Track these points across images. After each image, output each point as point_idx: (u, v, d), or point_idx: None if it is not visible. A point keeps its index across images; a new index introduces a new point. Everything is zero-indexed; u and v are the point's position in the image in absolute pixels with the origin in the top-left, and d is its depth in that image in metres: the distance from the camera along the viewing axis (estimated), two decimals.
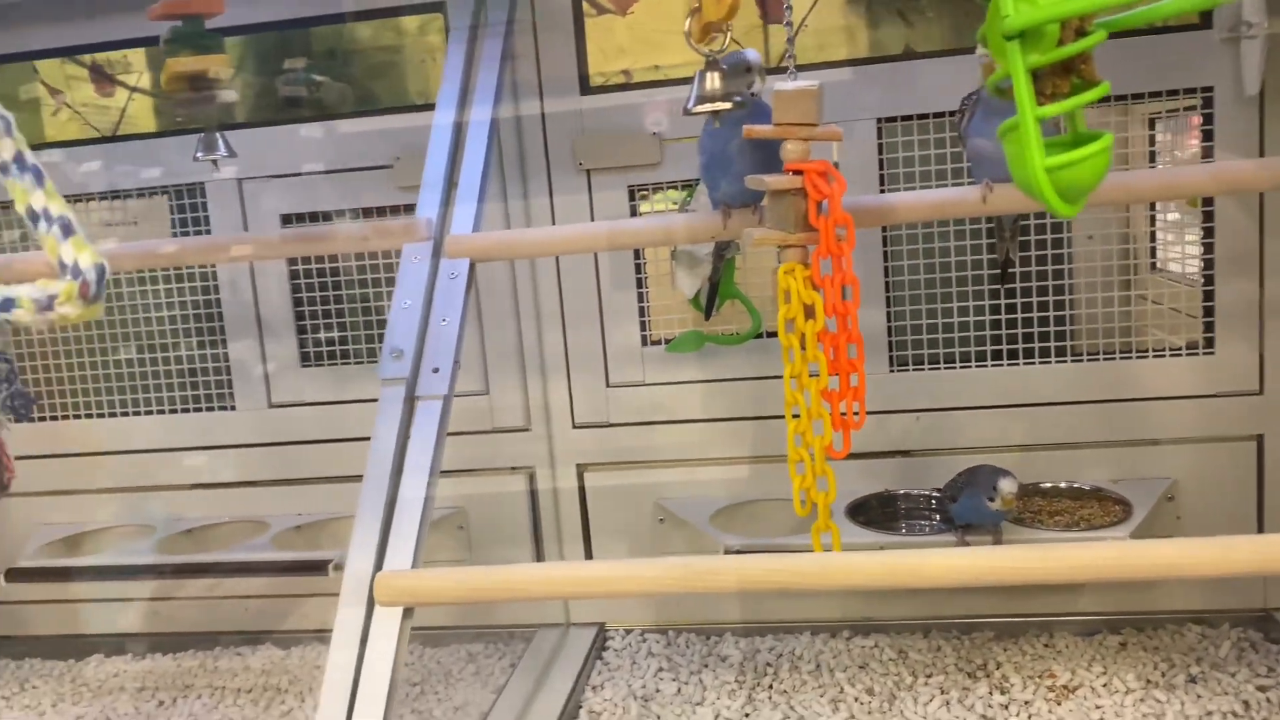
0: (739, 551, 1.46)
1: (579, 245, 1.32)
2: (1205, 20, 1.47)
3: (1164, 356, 1.57)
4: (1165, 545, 0.92)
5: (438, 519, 1.70)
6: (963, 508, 1.44)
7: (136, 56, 1.79)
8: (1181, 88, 1.50)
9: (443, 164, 1.30)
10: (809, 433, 1.09)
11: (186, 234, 1.76)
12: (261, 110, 1.76)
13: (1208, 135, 1.50)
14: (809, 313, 1.07)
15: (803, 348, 1.07)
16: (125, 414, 1.83)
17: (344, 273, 1.76)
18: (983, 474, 1.43)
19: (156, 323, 1.82)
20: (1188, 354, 1.56)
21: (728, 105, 0.90)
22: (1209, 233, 1.53)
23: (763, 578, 0.90)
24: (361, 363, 1.78)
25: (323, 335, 1.78)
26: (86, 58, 1.77)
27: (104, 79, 1.78)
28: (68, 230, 0.80)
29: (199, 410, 1.81)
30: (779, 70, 1.50)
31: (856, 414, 1.08)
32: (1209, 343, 1.55)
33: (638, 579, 0.94)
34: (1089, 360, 1.59)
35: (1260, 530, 1.58)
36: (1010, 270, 1.36)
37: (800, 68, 1.22)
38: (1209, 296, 1.54)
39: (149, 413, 1.83)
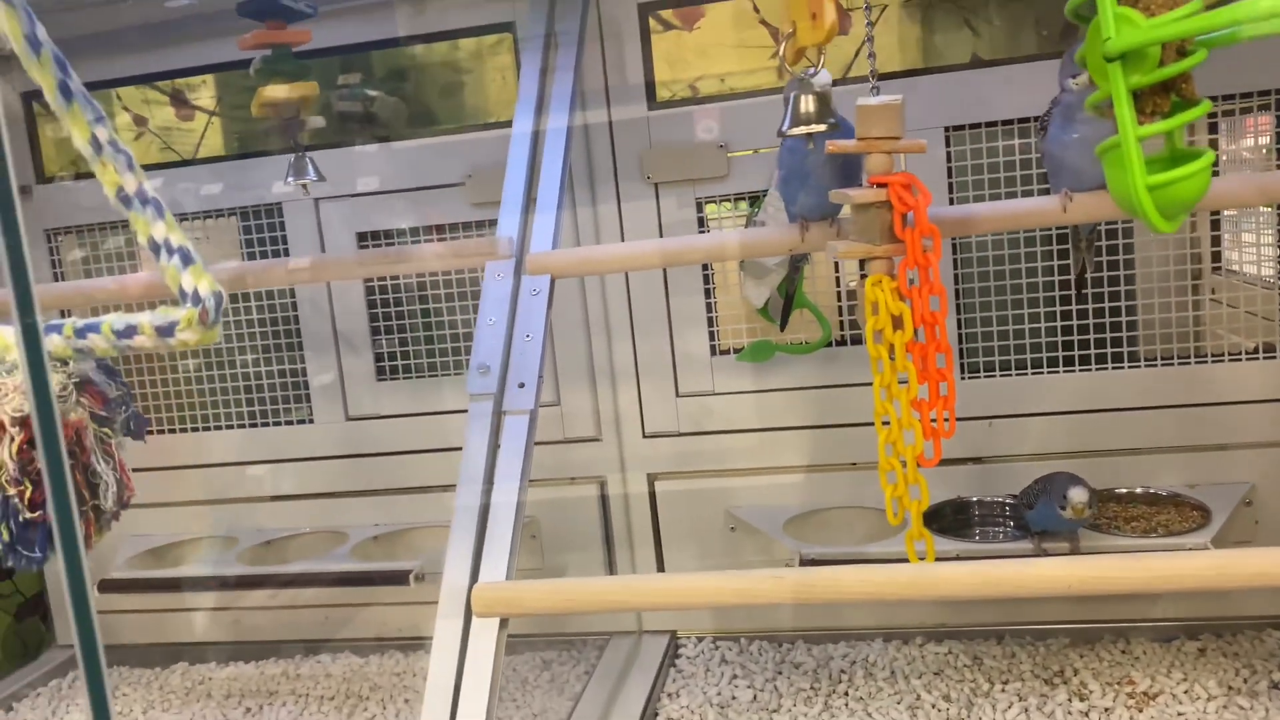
0: (815, 561, 1.47)
1: (660, 260, 1.33)
2: None
3: (1239, 360, 1.56)
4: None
5: None
6: (1038, 515, 1.43)
7: (214, 81, 1.84)
8: (1255, 90, 1.49)
9: (521, 183, 1.33)
10: (900, 442, 1.10)
11: (265, 253, 1.81)
12: (330, 131, 1.81)
13: None
14: (897, 323, 1.09)
15: (891, 358, 1.08)
16: (207, 428, 1.88)
17: (419, 288, 1.80)
18: (1057, 481, 1.43)
19: (236, 339, 1.87)
20: (1265, 357, 1.55)
21: (822, 127, 0.92)
22: None
23: (858, 589, 0.91)
24: (435, 376, 1.81)
25: (398, 349, 1.81)
26: (167, 84, 1.83)
27: (184, 105, 1.83)
28: (187, 259, 0.84)
29: (278, 424, 1.86)
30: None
31: (946, 422, 1.09)
32: None
33: (743, 590, 0.96)
34: (1163, 364, 1.58)
35: None
36: (1085, 280, 1.36)
37: (864, 78, 1.22)
38: None
39: (229, 427, 1.88)
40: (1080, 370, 1.60)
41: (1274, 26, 0.64)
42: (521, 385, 1.17)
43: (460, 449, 1.77)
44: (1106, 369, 1.59)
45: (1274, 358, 1.54)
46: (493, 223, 1.73)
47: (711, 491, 1.72)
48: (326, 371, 1.83)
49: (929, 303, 1.09)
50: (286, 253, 1.80)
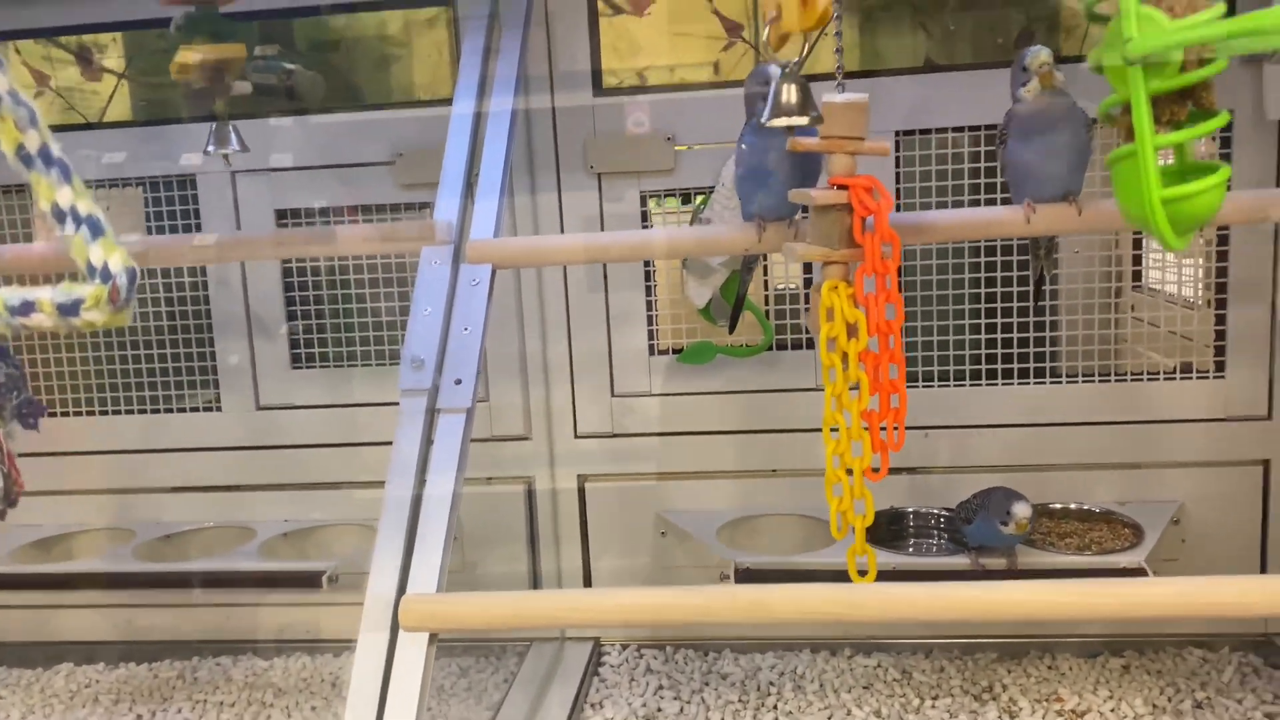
0: (750, 570, 1.43)
1: (609, 254, 1.27)
2: None
3: (1174, 379, 1.56)
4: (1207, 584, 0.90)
5: None
6: (977, 530, 1.41)
7: (126, 41, 1.71)
8: None
9: (461, 165, 1.25)
10: (848, 454, 1.06)
11: (175, 228, 1.69)
12: (250, 100, 1.69)
13: (1225, 159, 1.49)
14: (852, 331, 1.05)
15: (845, 366, 1.04)
16: (105, 413, 1.75)
17: (340, 271, 1.70)
18: (996, 497, 1.41)
19: (140, 318, 1.74)
20: (1198, 377, 1.56)
21: (805, 120, 0.87)
22: (1223, 256, 1.53)
23: (821, 610, 0.87)
24: (355, 365, 1.71)
25: (315, 335, 1.71)
26: (72, 41, 1.69)
27: (92, 64, 1.70)
28: (97, 230, 0.75)
29: (183, 411, 1.74)
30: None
31: (895, 433, 1.05)
32: (1220, 366, 1.55)
33: (681, 606, 0.90)
34: (1100, 381, 1.58)
35: (1264, 555, 1.58)
36: (1044, 287, 1.34)
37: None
38: (1220, 320, 1.54)
39: (129, 412, 1.75)
40: (1019, 384, 1.59)
41: None
42: (458, 381, 1.10)
43: (380, 444, 1.68)
44: (1045, 383, 1.58)
45: (1206, 377, 1.56)
46: (423, 205, 1.66)
47: (643, 494, 1.67)
48: (237, 356, 1.72)
49: (885, 311, 1.05)
50: (198, 228, 1.69)
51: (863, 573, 1.10)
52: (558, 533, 1.70)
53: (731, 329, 1.40)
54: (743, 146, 1.14)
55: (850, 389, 1.06)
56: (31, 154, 0.75)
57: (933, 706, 1.47)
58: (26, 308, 0.76)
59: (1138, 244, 1.68)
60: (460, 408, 1.09)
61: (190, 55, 1.10)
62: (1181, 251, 1.51)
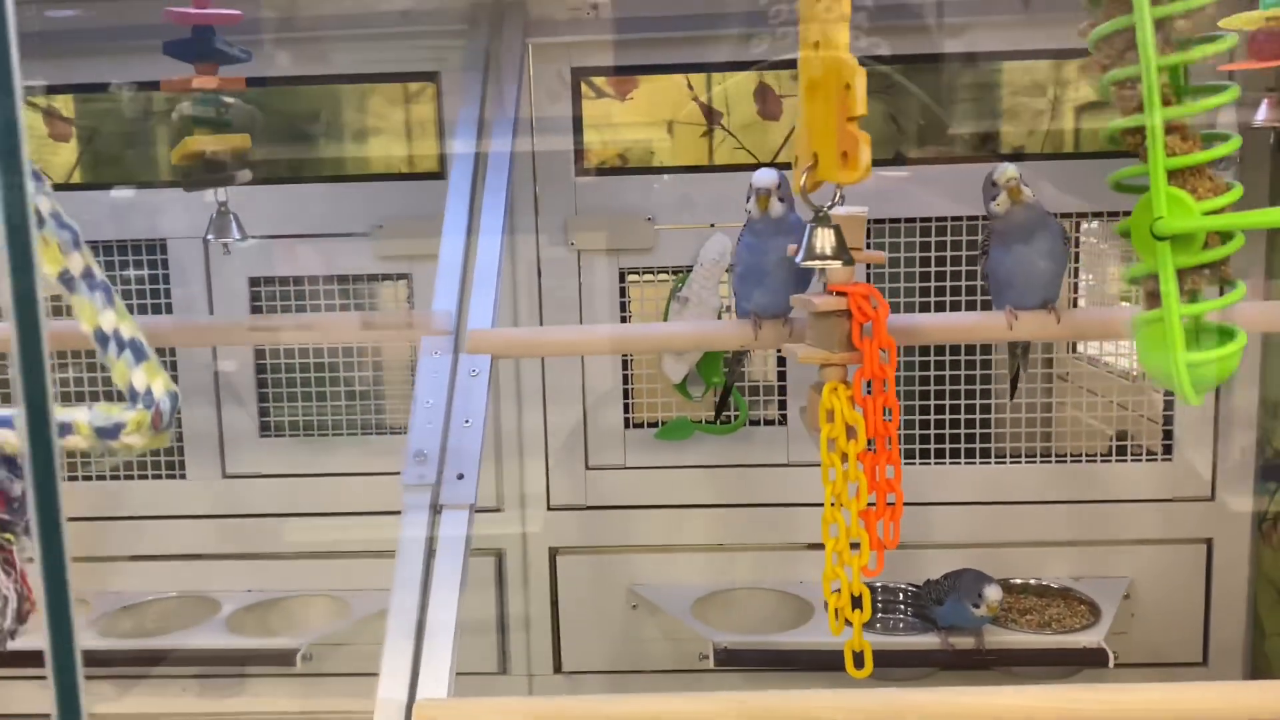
0: (730, 650, 1.45)
1: (607, 347, 1.29)
2: None
3: (1125, 461, 1.64)
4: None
5: None
6: (948, 610, 1.46)
7: (100, 101, 1.69)
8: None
9: (458, 254, 1.26)
10: (846, 551, 1.10)
11: (143, 292, 1.66)
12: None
13: None
14: (851, 432, 1.08)
15: (844, 466, 1.08)
16: (66, 478, 1.70)
17: (311, 340, 1.69)
18: (967, 579, 1.46)
19: (104, 382, 1.70)
20: (1148, 460, 1.64)
21: (837, 264, 0.91)
22: None
23: (830, 716, 0.90)
24: (326, 435, 1.70)
25: (285, 404, 1.69)
26: (41, 100, 1.66)
27: (60, 121, 1.66)
28: (140, 355, 0.75)
29: (145, 478, 1.70)
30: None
31: (891, 531, 1.09)
32: (1167, 449, 1.63)
33: (694, 713, 0.92)
34: (1056, 462, 1.65)
35: (1207, 628, 1.67)
36: (1018, 379, 1.40)
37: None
38: (1169, 406, 1.63)
39: (87, 478, 1.71)
40: (980, 463, 1.65)
41: None
42: (460, 476, 1.10)
43: (347, 514, 1.68)
44: (1004, 463, 1.65)
45: (1155, 460, 1.64)
46: (400, 276, 1.67)
47: (616, 569, 1.68)
48: (204, 424, 1.69)
49: (882, 414, 1.10)
50: (168, 294, 1.66)
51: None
52: (528, 604, 1.70)
53: (717, 416, 1.42)
54: (742, 247, 1.18)
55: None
56: (75, 277, 0.74)
57: None
58: (62, 430, 0.75)
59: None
60: (463, 503, 1.09)
61: (195, 145, 1.09)
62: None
